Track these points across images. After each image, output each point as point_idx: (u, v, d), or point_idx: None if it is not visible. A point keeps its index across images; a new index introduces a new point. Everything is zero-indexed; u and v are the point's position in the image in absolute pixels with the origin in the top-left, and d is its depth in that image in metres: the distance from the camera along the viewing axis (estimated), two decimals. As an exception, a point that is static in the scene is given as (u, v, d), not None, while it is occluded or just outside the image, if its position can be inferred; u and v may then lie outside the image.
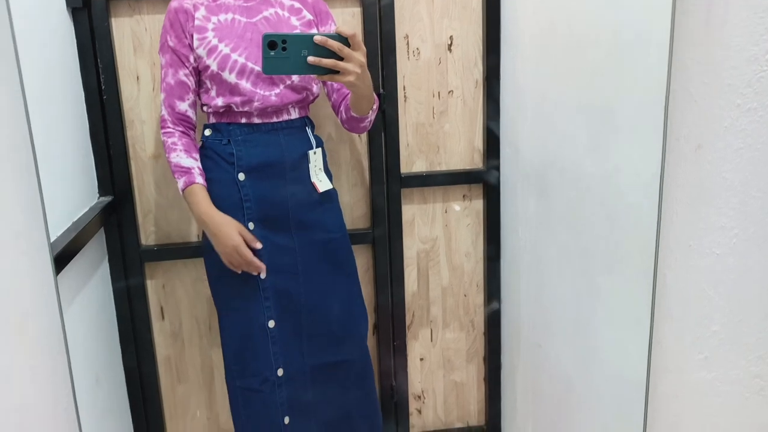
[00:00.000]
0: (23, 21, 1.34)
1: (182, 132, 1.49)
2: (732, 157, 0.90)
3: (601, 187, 1.26)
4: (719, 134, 0.88)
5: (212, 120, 1.52)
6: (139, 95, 1.71)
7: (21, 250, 0.82)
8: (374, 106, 1.49)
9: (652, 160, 1.00)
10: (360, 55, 1.29)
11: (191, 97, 1.50)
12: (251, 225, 1.49)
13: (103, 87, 1.66)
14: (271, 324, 1.52)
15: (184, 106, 1.49)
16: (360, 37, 1.28)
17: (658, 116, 0.96)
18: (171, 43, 1.46)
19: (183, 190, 1.46)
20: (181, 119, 1.49)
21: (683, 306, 0.96)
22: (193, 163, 1.47)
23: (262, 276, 1.49)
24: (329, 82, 1.56)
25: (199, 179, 1.46)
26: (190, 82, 1.49)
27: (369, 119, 1.52)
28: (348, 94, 1.51)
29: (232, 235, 1.43)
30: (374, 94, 1.46)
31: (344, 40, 1.27)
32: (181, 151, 1.47)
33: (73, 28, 1.61)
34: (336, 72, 1.29)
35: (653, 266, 0.95)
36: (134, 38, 1.68)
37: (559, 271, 1.52)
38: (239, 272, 1.47)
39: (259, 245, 1.47)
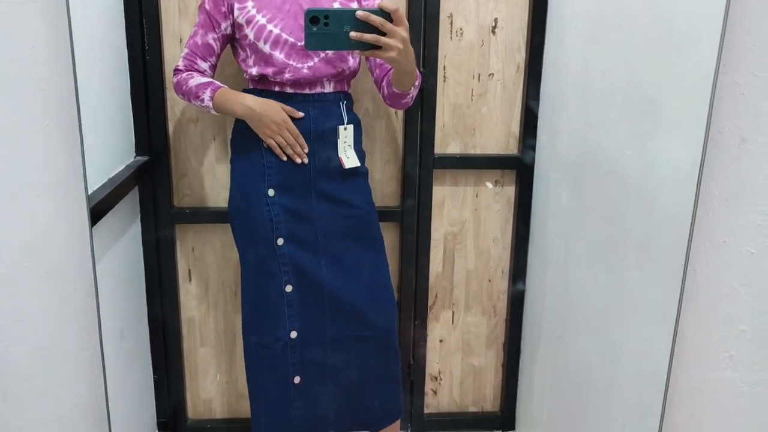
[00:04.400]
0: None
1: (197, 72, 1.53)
2: (776, 155, 0.87)
3: (639, 180, 1.24)
4: (765, 129, 0.85)
5: (250, 86, 1.55)
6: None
7: (60, 198, 0.84)
8: (416, 83, 1.48)
9: (693, 155, 0.98)
10: (402, 31, 1.28)
11: (213, 60, 1.55)
12: (271, 191, 1.52)
13: (146, 47, 1.68)
14: (289, 288, 1.55)
15: (204, 66, 1.54)
16: (402, 11, 1.27)
17: (702, 109, 0.94)
18: (207, 6, 1.50)
19: (212, 99, 1.48)
20: (199, 73, 1.53)
21: (712, 303, 0.95)
22: (212, 80, 1.51)
23: (279, 243, 1.52)
24: (372, 57, 1.55)
25: (224, 86, 1.50)
26: (216, 46, 1.53)
27: (411, 95, 1.51)
28: (390, 69, 1.51)
29: (279, 110, 1.47)
30: (417, 70, 1.46)
31: (387, 15, 1.26)
32: (197, 76, 1.51)
33: (120, -13, 1.63)
34: (378, 47, 1.27)
35: (684, 260, 0.94)
36: (180, 1, 1.69)
37: (587, 263, 1.51)
38: (284, 158, 1.50)
39: (300, 114, 1.48)
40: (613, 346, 1.35)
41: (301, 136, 1.49)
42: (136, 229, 1.77)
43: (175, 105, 1.76)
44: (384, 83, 1.54)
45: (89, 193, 1.38)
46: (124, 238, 1.65)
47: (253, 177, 1.53)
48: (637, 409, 1.21)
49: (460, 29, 1.78)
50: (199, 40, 1.51)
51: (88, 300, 0.81)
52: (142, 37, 1.67)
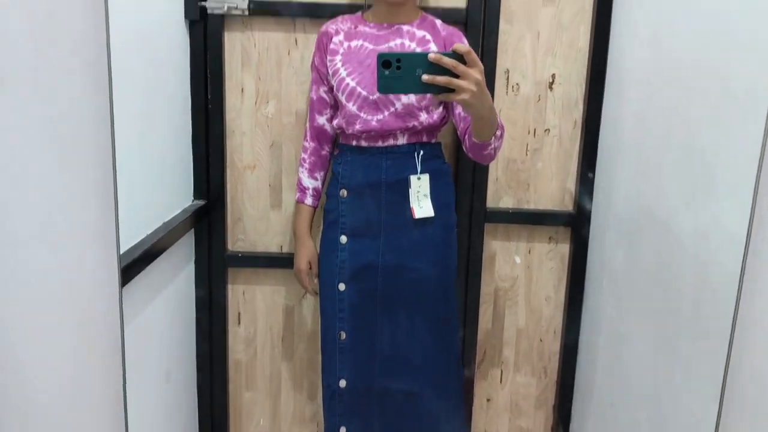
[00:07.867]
0: (143, 29, 1.43)
1: (315, 147, 1.65)
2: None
3: (693, 244, 1.19)
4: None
5: (340, 140, 1.63)
6: (242, 107, 1.79)
7: (92, 251, 0.86)
8: (498, 132, 1.36)
9: (744, 220, 0.93)
10: (476, 73, 1.17)
11: (329, 112, 1.63)
12: (343, 238, 1.57)
13: (209, 96, 1.75)
14: (342, 336, 1.57)
15: (321, 120, 1.63)
16: (476, 54, 1.21)
17: (754, 175, 0.90)
18: (316, 62, 1.60)
19: (296, 203, 1.70)
20: (318, 132, 1.64)
21: (760, 387, 0.88)
22: (311, 183, 1.66)
23: (341, 288, 1.57)
24: (457, 111, 1.51)
25: (308, 200, 1.67)
26: (329, 98, 1.62)
27: (492, 146, 1.38)
28: None
29: (301, 261, 1.67)
30: (499, 119, 1.36)
31: (460, 57, 1.16)
32: (306, 169, 1.66)
33: (188, 38, 1.71)
34: (451, 90, 1.18)
35: (729, 336, 0.88)
36: (243, 53, 1.76)
37: (640, 328, 1.44)
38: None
39: (311, 290, 1.69)
40: (663, 420, 1.27)
41: (306, 288, 1.69)
42: (190, 271, 1.81)
43: (233, 152, 1.81)
44: (466, 136, 1.47)
45: (143, 237, 1.44)
46: (177, 280, 1.69)
47: (332, 225, 1.60)
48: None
49: (516, 84, 1.77)
50: (314, 95, 1.63)
51: (114, 353, 0.83)
52: (206, 87, 1.74)
